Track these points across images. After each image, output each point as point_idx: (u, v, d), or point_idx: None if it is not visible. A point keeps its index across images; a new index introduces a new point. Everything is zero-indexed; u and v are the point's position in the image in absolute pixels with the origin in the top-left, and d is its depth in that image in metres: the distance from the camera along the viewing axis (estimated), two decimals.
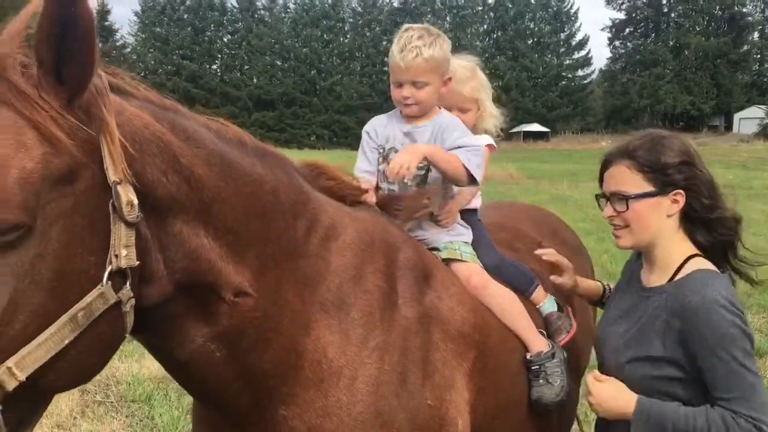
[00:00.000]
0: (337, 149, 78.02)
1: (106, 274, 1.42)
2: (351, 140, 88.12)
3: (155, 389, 5.62)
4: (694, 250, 2.21)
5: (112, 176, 1.42)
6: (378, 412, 1.93)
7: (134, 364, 6.17)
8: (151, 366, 5.99)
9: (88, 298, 1.39)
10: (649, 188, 2.14)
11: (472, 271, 2.43)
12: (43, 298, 1.34)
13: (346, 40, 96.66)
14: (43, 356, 1.33)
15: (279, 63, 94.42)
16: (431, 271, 2.30)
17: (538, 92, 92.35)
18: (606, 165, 2.27)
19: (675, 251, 2.20)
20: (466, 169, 2.37)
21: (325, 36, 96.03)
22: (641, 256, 2.39)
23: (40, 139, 1.33)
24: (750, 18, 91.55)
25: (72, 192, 1.38)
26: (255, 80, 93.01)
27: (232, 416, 1.90)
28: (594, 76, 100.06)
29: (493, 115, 2.86)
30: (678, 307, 2.08)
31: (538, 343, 2.48)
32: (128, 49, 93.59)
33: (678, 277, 2.17)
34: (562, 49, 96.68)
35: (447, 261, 2.46)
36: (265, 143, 1.99)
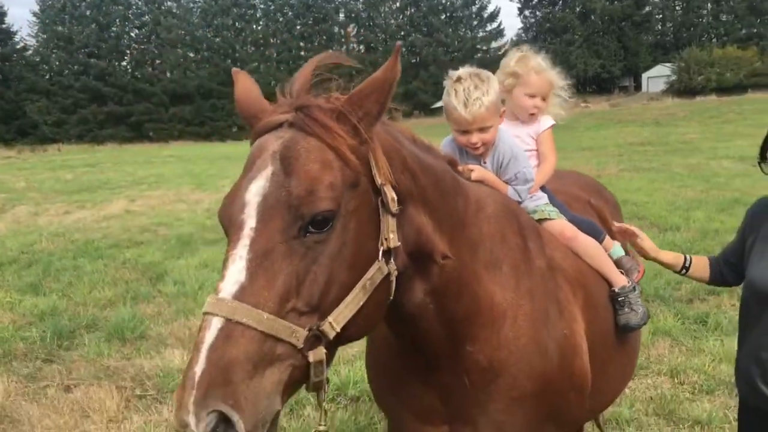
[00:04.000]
0: None
1: (380, 253, 1.91)
2: None
3: None
4: None
5: (379, 180, 1.90)
6: (536, 341, 2.41)
7: (156, 359, 6.41)
8: (173, 359, 6.26)
9: (371, 271, 1.88)
10: None
11: (563, 226, 2.91)
12: (346, 273, 1.82)
13: (259, 27, 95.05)
14: (348, 314, 1.81)
15: (192, 55, 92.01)
16: (539, 228, 2.80)
17: (455, 66, 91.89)
18: None
19: None
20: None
21: (237, 24, 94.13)
22: None
23: (337, 158, 1.82)
24: None
25: (357, 194, 1.86)
26: (168, 74, 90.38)
27: (429, 356, 2.36)
28: (507, 46, 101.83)
29: (554, 110, 3.30)
30: None
31: (620, 279, 2.96)
32: (30, 52, 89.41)
33: None
34: (475, 22, 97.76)
35: (540, 221, 2.89)
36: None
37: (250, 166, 1.83)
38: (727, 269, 3.13)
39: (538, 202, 2.97)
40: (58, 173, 35.16)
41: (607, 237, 3.14)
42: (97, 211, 18.34)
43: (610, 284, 2.95)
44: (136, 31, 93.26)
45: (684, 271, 3.20)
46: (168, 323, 7.47)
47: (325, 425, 1.92)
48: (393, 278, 1.97)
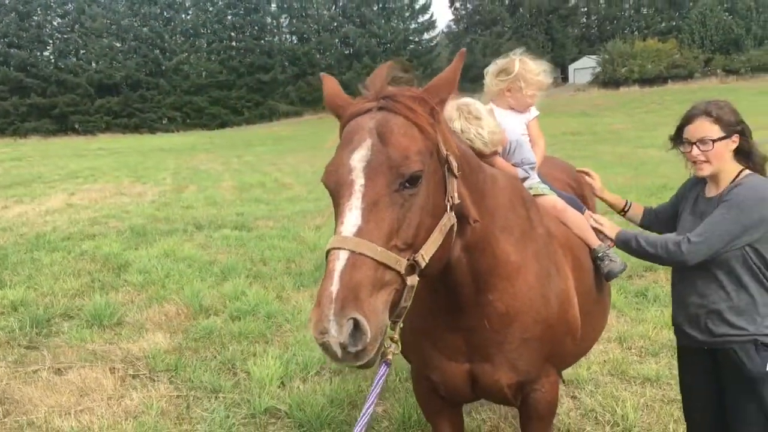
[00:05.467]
0: (192, 131, 75.89)
1: (448, 206, 2.42)
2: (206, 120, 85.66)
3: (178, 360, 6.08)
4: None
5: (444, 151, 2.42)
6: (541, 294, 2.97)
7: (141, 342, 6.71)
8: (158, 342, 6.59)
9: (444, 219, 2.40)
10: (722, 134, 3.20)
11: (555, 201, 3.52)
12: (429, 219, 2.33)
13: (188, 17, 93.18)
14: (432, 250, 2.33)
15: (118, 45, 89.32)
16: (537, 203, 3.34)
17: (388, 57, 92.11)
18: (690, 120, 3.30)
19: (732, 170, 3.28)
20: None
21: (165, 13, 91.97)
22: (697, 185, 3.47)
23: (420, 132, 2.32)
24: None
25: (434, 161, 2.37)
26: (94, 65, 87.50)
27: (457, 303, 2.86)
28: (439, 38, 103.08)
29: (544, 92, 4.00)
30: (728, 190, 3.20)
31: (598, 241, 3.57)
32: None
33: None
34: (407, 14, 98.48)
35: (535, 197, 3.42)
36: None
37: (349, 141, 2.29)
38: (656, 221, 3.79)
39: (533, 181, 3.56)
40: None
41: (587, 212, 3.72)
42: (37, 206, 18.02)
43: (590, 246, 3.55)
44: (59, 20, 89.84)
45: (623, 213, 3.90)
46: (142, 310, 7.66)
47: (397, 336, 2.36)
48: (455, 228, 2.49)
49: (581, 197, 4.06)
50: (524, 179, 3.48)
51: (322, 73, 2.70)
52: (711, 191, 3.35)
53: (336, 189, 2.26)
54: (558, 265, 3.13)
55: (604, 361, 5.91)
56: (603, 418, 4.87)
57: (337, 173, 2.26)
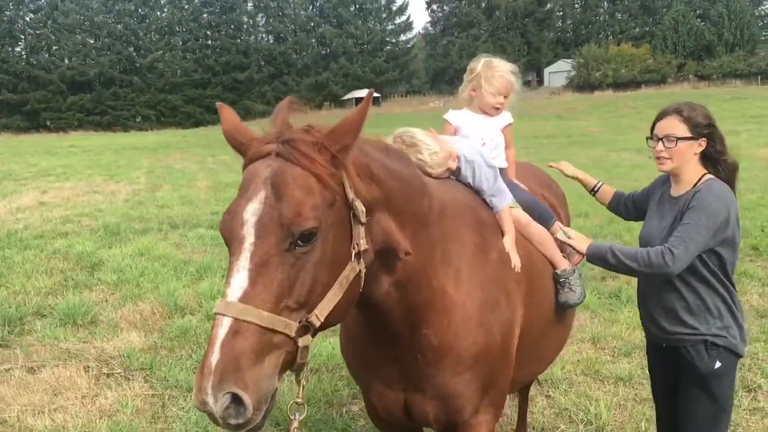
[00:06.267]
0: (166, 129, 75.21)
1: (353, 255, 2.30)
2: (180, 119, 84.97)
3: (153, 358, 6.05)
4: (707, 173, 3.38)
5: (351, 196, 2.28)
6: (482, 324, 2.86)
7: (115, 341, 6.67)
8: (132, 340, 6.54)
9: (346, 271, 2.28)
10: (688, 134, 3.27)
11: (518, 214, 3.35)
12: (327, 274, 2.22)
13: (163, 14, 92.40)
14: (329, 307, 2.22)
15: (91, 41, 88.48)
16: (494, 221, 3.18)
17: (365, 58, 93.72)
18: (661, 117, 3.36)
19: (696, 173, 3.35)
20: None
21: (140, 10, 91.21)
22: (666, 183, 3.53)
23: (318, 183, 2.18)
24: None
25: (334, 210, 2.24)
26: (66, 61, 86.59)
27: (391, 336, 2.80)
28: (416, 40, 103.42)
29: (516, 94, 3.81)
30: (691, 195, 3.26)
31: (563, 263, 3.44)
32: None
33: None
34: (384, 15, 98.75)
35: None
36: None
37: (246, 189, 2.17)
38: (626, 207, 3.86)
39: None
40: None
41: (557, 222, 3.60)
42: (8, 203, 17.73)
43: (554, 266, 3.44)
44: (31, 15, 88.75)
45: (593, 193, 4.00)
46: (117, 308, 7.59)
47: (302, 400, 2.30)
48: (363, 275, 2.36)
49: (552, 207, 3.91)
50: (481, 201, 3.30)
51: (219, 103, 2.51)
52: (674, 190, 3.42)
53: (229, 241, 2.16)
54: (508, 294, 3.03)
55: (578, 360, 5.99)
56: (576, 416, 4.94)
57: (231, 224, 2.15)
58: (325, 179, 2.18)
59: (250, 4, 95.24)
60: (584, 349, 6.27)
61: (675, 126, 3.29)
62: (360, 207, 2.29)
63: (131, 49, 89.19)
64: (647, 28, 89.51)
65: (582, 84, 75.25)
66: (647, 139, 3.46)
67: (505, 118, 3.77)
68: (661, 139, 3.31)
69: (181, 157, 36.22)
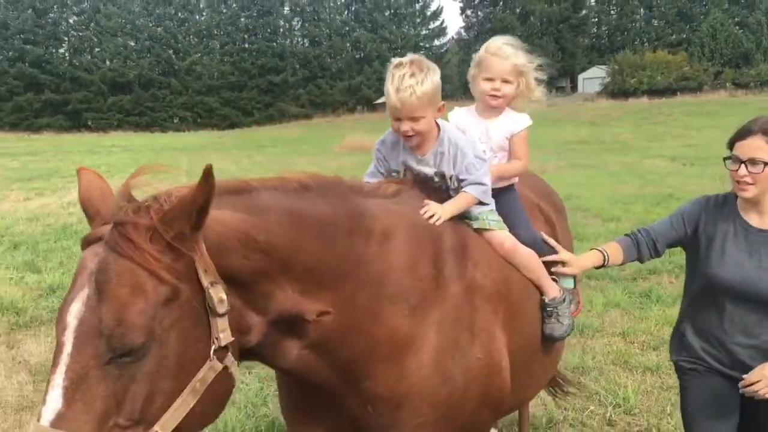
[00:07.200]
0: (202, 131, 76.42)
1: (212, 353, 1.92)
2: (216, 120, 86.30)
3: None
4: None
5: (204, 282, 1.88)
6: (439, 371, 2.45)
7: None
8: None
9: (201, 372, 1.89)
10: None
11: (503, 238, 2.88)
12: (170, 383, 1.83)
13: (202, 18, 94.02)
14: (178, 417, 1.84)
15: (132, 44, 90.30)
16: (467, 243, 2.74)
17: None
18: (744, 136, 2.96)
19: None
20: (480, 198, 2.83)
21: (179, 14, 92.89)
22: (724, 209, 3.13)
23: (150, 277, 1.80)
24: None
25: (177, 305, 1.85)
26: (108, 63, 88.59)
27: (326, 391, 2.43)
28: (449, 45, 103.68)
29: (536, 94, 3.12)
30: None
31: (554, 290, 3.06)
32: None
33: None
34: (418, 20, 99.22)
35: (478, 230, 2.86)
36: (300, 172, 2.38)
37: (74, 283, 1.84)
38: (655, 251, 3.34)
39: (483, 209, 2.88)
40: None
41: (554, 246, 3.21)
42: (58, 198, 18.52)
43: (542, 293, 3.04)
44: (75, 17, 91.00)
45: (603, 267, 3.35)
46: None
47: None
48: (232, 369, 1.99)
49: (549, 221, 3.54)
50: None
51: (79, 168, 2.19)
52: (753, 219, 3.07)
53: (55, 343, 1.82)
54: (476, 329, 2.60)
55: (608, 352, 6.33)
56: (606, 400, 5.29)
57: (57, 326, 1.83)
58: (158, 273, 1.80)
59: (286, 9, 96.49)
60: (614, 342, 6.60)
61: (761, 148, 2.90)
62: (217, 296, 1.89)
63: (170, 51, 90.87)
64: (684, 35, 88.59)
65: (616, 91, 74.75)
66: (724, 159, 3.03)
67: (517, 120, 3.12)
68: (744, 162, 2.92)
69: (219, 158, 36.97)
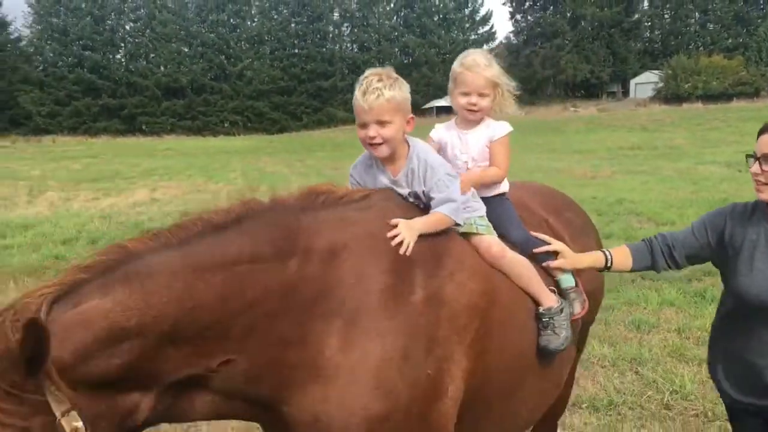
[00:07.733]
0: (252, 134, 77.89)
1: None
2: (266, 125, 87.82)
3: None
4: None
5: (57, 413, 1.76)
6: (377, 386, 2.23)
7: None
8: None
9: None
10: None
11: (491, 243, 2.74)
12: None
13: (254, 24, 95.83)
14: None
15: (186, 50, 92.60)
16: (444, 251, 2.56)
17: (447, 68, 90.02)
18: (763, 131, 2.70)
19: None
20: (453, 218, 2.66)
21: (231, 20, 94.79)
22: (753, 217, 2.83)
23: None
24: None
25: None
26: (162, 68, 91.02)
27: (248, 417, 2.38)
28: (498, 50, 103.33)
29: (510, 100, 3.08)
30: None
31: (549, 299, 2.85)
32: (24, 42, 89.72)
33: None
34: (467, 25, 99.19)
35: (466, 235, 2.73)
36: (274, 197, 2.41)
37: None
38: (672, 259, 3.05)
39: (471, 214, 2.79)
40: (62, 163, 36.13)
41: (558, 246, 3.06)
42: (124, 198, 19.44)
43: (537, 303, 2.84)
44: (131, 24, 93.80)
45: (606, 270, 3.11)
46: None
47: None
48: None
49: (559, 238, 3.17)
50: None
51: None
52: None
53: None
54: (433, 343, 2.36)
55: (664, 346, 6.58)
56: (663, 386, 5.56)
57: None
58: (1, 422, 1.72)
59: (336, 14, 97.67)
60: (670, 338, 6.84)
61: None
62: (70, 426, 1.78)
63: (222, 57, 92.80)
64: (741, 40, 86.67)
65: (670, 96, 73.55)
66: (747, 157, 2.77)
67: (495, 128, 3.06)
68: (759, 158, 2.65)
69: (271, 161, 37.87)
